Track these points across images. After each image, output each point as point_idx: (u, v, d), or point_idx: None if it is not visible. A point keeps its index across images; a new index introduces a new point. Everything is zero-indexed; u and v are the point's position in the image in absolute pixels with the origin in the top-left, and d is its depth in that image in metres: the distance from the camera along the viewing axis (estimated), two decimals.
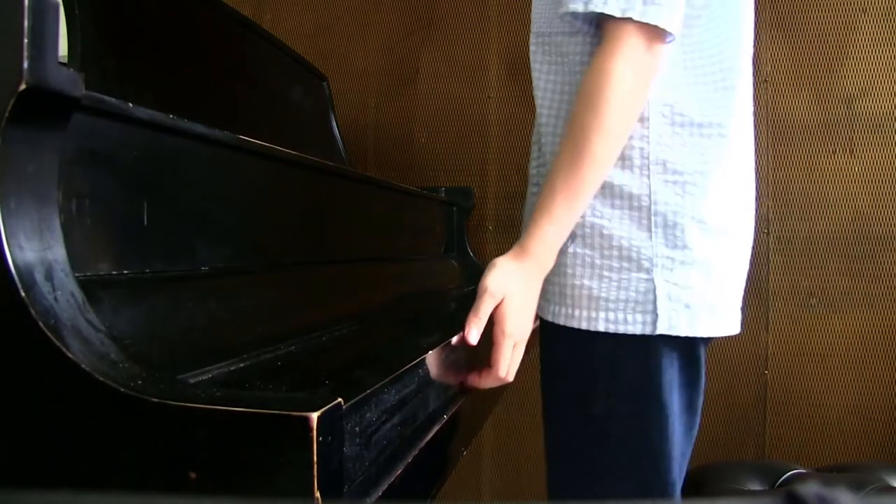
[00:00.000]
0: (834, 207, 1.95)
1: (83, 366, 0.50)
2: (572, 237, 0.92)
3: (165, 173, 0.72)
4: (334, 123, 1.67)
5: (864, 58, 1.93)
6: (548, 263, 0.91)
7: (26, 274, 0.50)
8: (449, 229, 1.92)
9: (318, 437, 0.48)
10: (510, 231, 2.08)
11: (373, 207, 1.32)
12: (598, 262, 0.91)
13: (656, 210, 0.89)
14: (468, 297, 1.00)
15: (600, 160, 0.87)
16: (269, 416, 0.49)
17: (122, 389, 0.50)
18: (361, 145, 2.17)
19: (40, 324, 0.49)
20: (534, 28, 0.99)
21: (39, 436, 0.51)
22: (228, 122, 1.09)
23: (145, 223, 0.69)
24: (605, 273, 0.91)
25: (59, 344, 0.50)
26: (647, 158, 0.90)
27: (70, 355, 0.50)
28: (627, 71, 0.84)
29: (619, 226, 0.90)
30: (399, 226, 1.49)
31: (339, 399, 0.52)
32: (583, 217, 0.91)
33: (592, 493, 0.94)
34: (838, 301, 1.95)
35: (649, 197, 0.90)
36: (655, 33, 0.84)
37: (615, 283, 0.90)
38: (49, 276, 0.52)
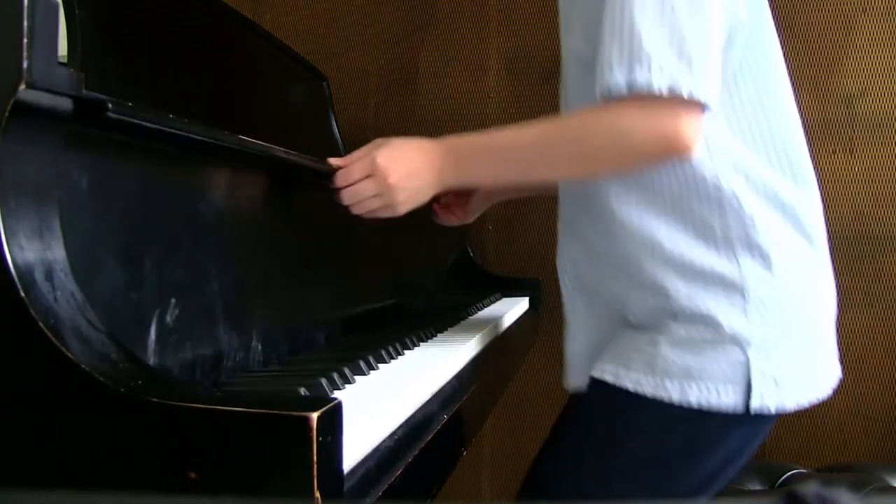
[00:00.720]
0: (834, 207, 1.94)
1: (83, 366, 0.50)
2: (672, 315, 0.92)
3: (164, 172, 0.72)
4: (334, 123, 1.67)
5: (863, 58, 1.93)
6: (449, 169, 0.95)
7: (26, 274, 0.50)
8: (449, 230, 1.92)
9: (317, 437, 0.48)
10: (510, 231, 2.08)
11: None
12: (695, 336, 0.91)
13: (747, 287, 0.90)
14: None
15: (558, 176, 0.95)
16: (269, 415, 0.49)
17: (122, 389, 0.50)
18: (361, 145, 2.16)
19: (40, 324, 0.49)
20: (578, 48, 0.98)
21: (39, 436, 0.51)
22: (228, 122, 1.09)
23: (144, 221, 0.69)
24: (700, 348, 0.90)
25: (58, 344, 0.50)
26: (730, 236, 0.91)
27: (70, 355, 0.50)
28: (645, 139, 0.85)
29: (714, 306, 0.90)
30: (398, 227, 1.49)
31: (339, 399, 0.52)
32: (678, 301, 0.91)
33: None
34: (838, 301, 1.95)
35: (740, 274, 0.90)
36: (692, 108, 0.83)
37: (710, 358, 0.90)
38: (49, 276, 0.52)
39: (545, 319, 1.92)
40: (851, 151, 1.94)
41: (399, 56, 2.18)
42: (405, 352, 0.99)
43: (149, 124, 0.64)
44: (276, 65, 1.40)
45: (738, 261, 0.90)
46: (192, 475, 0.49)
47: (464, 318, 1.39)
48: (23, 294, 0.49)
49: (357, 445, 0.60)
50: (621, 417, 0.95)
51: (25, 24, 0.49)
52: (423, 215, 1.71)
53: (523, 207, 2.08)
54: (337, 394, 0.74)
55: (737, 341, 0.89)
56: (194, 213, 0.76)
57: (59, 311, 0.51)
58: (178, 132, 0.68)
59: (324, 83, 1.66)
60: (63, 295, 0.53)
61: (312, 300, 1.05)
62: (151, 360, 0.67)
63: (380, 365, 0.89)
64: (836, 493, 0.26)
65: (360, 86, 2.19)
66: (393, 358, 0.94)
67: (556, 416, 1.11)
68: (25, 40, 0.49)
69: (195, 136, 0.71)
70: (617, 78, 0.83)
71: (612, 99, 0.85)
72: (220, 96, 1.11)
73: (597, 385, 0.97)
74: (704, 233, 0.91)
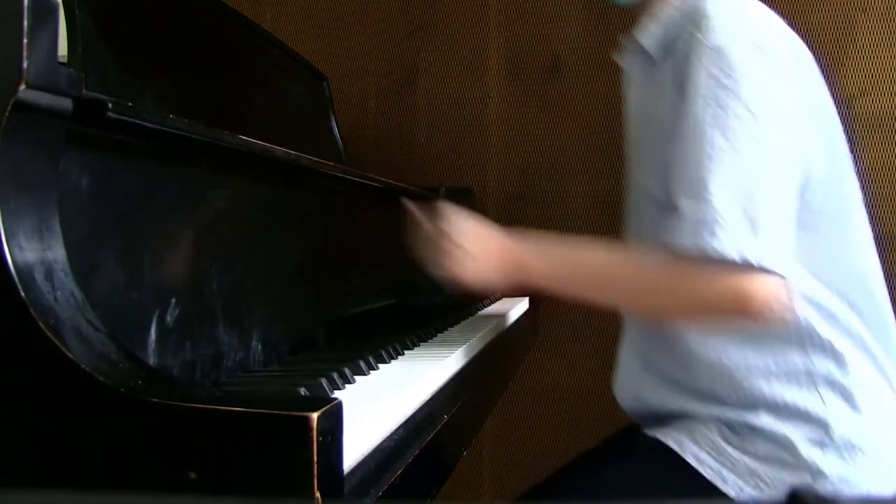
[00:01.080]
0: None
1: (83, 366, 0.50)
2: (750, 429, 0.93)
3: (164, 172, 0.72)
4: (334, 123, 1.67)
5: (863, 58, 1.93)
6: (521, 267, 0.96)
7: (26, 274, 0.50)
8: None
9: (318, 437, 0.48)
10: (510, 231, 2.07)
11: (374, 208, 1.32)
12: (771, 453, 0.92)
13: (830, 423, 0.91)
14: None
15: (624, 308, 0.96)
16: (269, 416, 0.48)
17: (122, 389, 0.50)
18: (361, 145, 2.16)
19: (40, 324, 0.49)
20: (649, 187, 0.98)
21: (39, 436, 0.51)
22: (228, 122, 1.09)
23: (143, 222, 0.69)
24: (772, 462, 0.91)
25: (59, 344, 0.50)
26: (812, 372, 0.92)
27: (70, 355, 0.50)
28: (716, 302, 0.85)
29: (795, 433, 0.91)
30: (398, 227, 1.49)
31: (339, 399, 0.52)
32: (758, 422, 0.92)
33: None
34: None
35: (825, 411, 0.91)
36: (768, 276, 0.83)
37: (778, 471, 0.91)
38: (49, 276, 0.52)
39: (545, 319, 1.92)
40: (851, 151, 1.94)
41: (399, 56, 2.18)
42: (405, 352, 0.99)
43: (149, 124, 0.64)
44: (276, 65, 1.40)
45: (821, 396, 0.91)
46: (192, 475, 0.49)
47: (464, 317, 1.39)
48: (23, 294, 0.49)
49: (357, 445, 0.60)
50: (672, 481, 0.96)
51: (25, 24, 0.49)
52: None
53: (523, 207, 2.08)
54: (337, 394, 0.74)
55: (811, 470, 0.90)
56: (194, 213, 0.76)
57: (59, 311, 0.51)
58: (178, 132, 0.68)
59: (324, 83, 1.66)
60: (63, 295, 0.52)
61: (312, 300, 1.05)
62: (151, 360, 0.67)
63: (380, 365, 0.89)
64: (836, 493, 0.26)
65: (360, 86, 2.19)
66: (393, 358, 0.94)
67: (555, 415, 1.11)
68: (25, 40, 0.49)
69: (195, 136, 0.71)
70: (686, 239, 0.83)
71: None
72: (220, 96, 1.11)
73: (658, 443, 0.97)
74: (787, 368, 0.92)
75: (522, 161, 2.09)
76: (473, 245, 0.95)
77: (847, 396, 0.91)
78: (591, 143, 2.04)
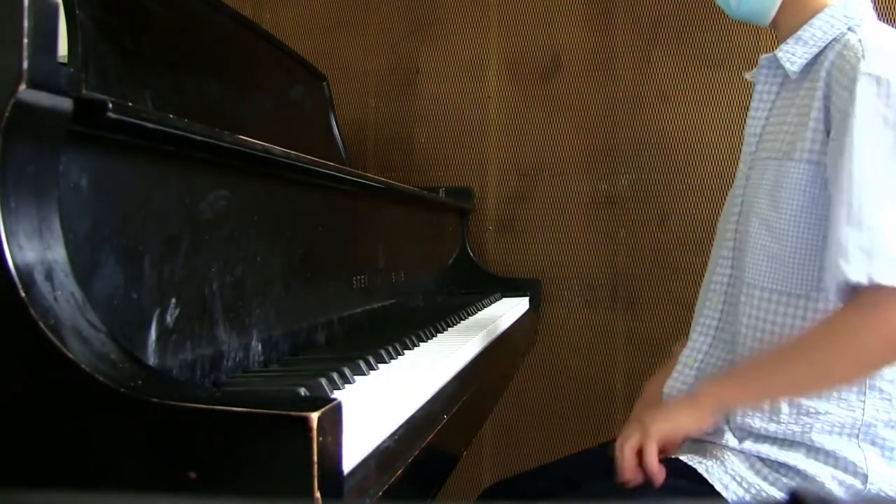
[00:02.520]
0: None
1: (83, 366, 0.50)
2: (785, 468, 0.93)
3: (164, 172, 0.72)
4: (334, 123, 1.67)
5: None
6: (716, 418, 0.95)
7: (26, 274, 0.50)
8: (449, 230, 1.92)
9: (318, 437, 0.48)
10: (510, 231, 2.08)
11: (374, 208, 1.32)
12: (800, 486, 0.92)
13: (870, 479, 0.90)
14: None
15: (804, 391, 0.92)
16: (269, 416, 0.49)
17: (122, 389, 0.50)
18: (361, 145, 2.17)
19: (40, 324, 0.49)
20: (758, 202, 0.99)
21: (39, 436, 0.51)
22: (228, 122, 1.09)
23: (143, 221, 0.69)
24: None
25: (59, 344, 0.50)
26: (858, 429, 0.92)
27: (70, 355, 0.50)
28: (874, 340, 0.85)
29: (829, 482, 0.91)
30: (398, 227, 1.49)
31: (339, 399, 0.52)
32: (796, 461, 0.93)
33: None
34: None
35: (864, 464, 0.91)
36: None
37: None
38: (49, 276, 0.52)
39: (545, 319, 1.92)
40: None
41: (399, 56, 2.19)
42: (405, 352, 0.99)
43: (149, 124, 0.64)
44: (276, 65, 1.40)
45: (862, 451, 0.92)
46: (192, 475, 0.49)
47: (464, 318, 1.39)
48: (23, 294, 0.49)
49: (357, 445, 0.60)
50: (688, 496, 0.95)
51: (25, 24, 0.49)
52: (421, 215, 1.72)
53: (523, 207, 2.08)
54: (337, 394, 0.74)
55: None
56: (194, 213, 0.76)
57: (59, 311, 0.51)
58: (178, 132, 0.68)
59: (324, 83, 1.66)
60: (63, 295, 0.52)
61: (312, 300, 1.05)
62: (151, 360, 0.67)
63: (380, 365, 0.89)
64: (836, 494, 0.26)
65: (360, 86, 2.19)
66: (393, 358, 0.94)
67: (555, 415, 1.10)
68: (25, 40, 0.49)
69: (195, 136, 0.71)
70: (857, 272, 0.82)
71: (848, 290, 0.85)
72: (220, 96, 1.11)
73: (684, 465, 0.98)
74: (834, 419, 0.92)
75: (522, 161, 2.09)
76: (648, 414, 0.98)
77: (888, 450, 0.92)
78: (591, 143, 2.05)
